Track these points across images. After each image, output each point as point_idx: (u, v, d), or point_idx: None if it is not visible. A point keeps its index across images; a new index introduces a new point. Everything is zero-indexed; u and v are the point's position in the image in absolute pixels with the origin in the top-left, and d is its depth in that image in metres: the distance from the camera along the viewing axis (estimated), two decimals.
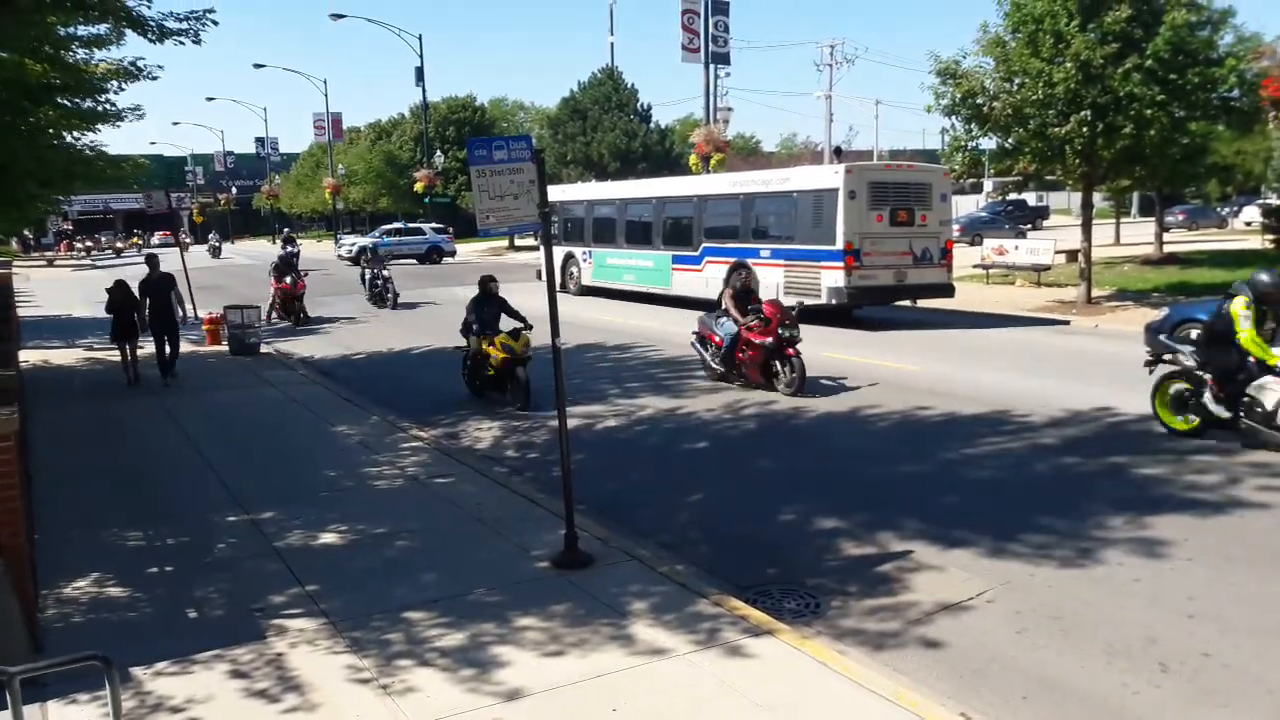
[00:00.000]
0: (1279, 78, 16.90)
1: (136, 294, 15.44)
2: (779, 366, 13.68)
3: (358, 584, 7.03)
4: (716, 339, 14.52)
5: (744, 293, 14.60)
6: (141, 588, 7.15)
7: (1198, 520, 7.91)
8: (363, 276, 28.87)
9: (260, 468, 10.39)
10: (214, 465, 10.51)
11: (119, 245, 69.85)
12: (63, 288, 39.08)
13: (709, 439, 11.50)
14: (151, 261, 15.71)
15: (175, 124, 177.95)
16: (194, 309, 22.97)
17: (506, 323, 13.80)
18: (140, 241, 74.55)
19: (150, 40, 10.80)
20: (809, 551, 7.71)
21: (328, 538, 8.12)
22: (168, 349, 15.52)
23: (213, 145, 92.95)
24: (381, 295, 27.03)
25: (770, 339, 13.52)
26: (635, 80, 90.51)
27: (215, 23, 11.14)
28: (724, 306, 14.58)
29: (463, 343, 14.43)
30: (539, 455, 11.05)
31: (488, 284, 14.14)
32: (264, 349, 18.94)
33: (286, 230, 45.12)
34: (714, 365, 14.55)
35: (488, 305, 13.87)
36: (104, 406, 14.05)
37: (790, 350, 13.49)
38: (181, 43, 11.02)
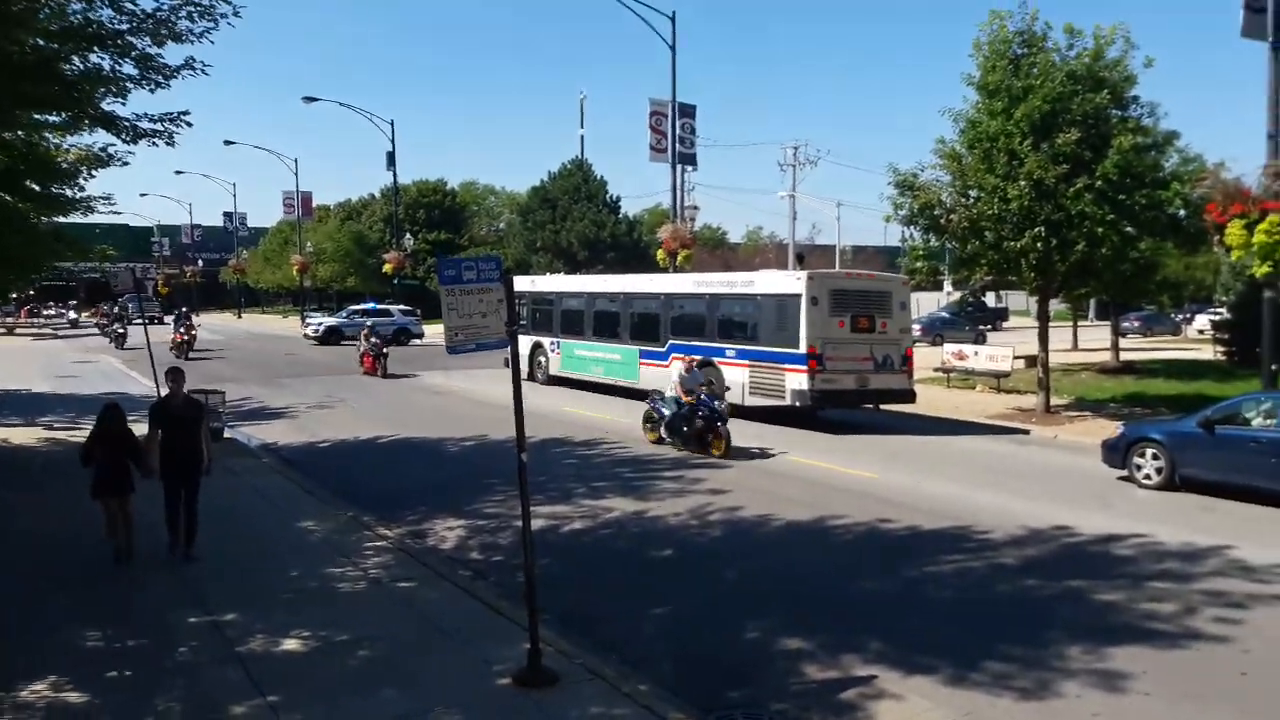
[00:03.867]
0: (1221, 202, 17.56)
1: (155, 425, 10.41)
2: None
3: (319, 696, 6.96)
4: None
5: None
6: (99, 693, 7.03)
7: (1156, 652, 8.05)
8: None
9: (222, 565, 10.27)
10: (170, 561, 10.37)
11: (73, 315, 67.29)
12: (22, 359, 38.53)
13: (675, 545, 11.55)
14: (175, 377, 10.72)
15: (143, 195, 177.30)
16: (157, 389, 22.79)
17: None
18: (106, 315, 72.70)
19: (124, 140, 10.93)
20: (773, 673, 7.74)
21: (290, 644, 8.03)
22: (185, 502, 10.56)
23: (180, 217, 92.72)
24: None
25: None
26: (604, 171, 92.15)
27: (189, 124, 11.29)
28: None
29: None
30: (503, 558, 11.01)
31: None
32: (227, 433, 18.77)
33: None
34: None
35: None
36: (63, 494, 13.82)
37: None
38: (155, 144, 11.15)
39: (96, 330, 55.63)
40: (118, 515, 10.31)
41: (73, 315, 67.62)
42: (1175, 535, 11.76)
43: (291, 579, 9.84)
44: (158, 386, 23.70)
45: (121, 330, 44.43)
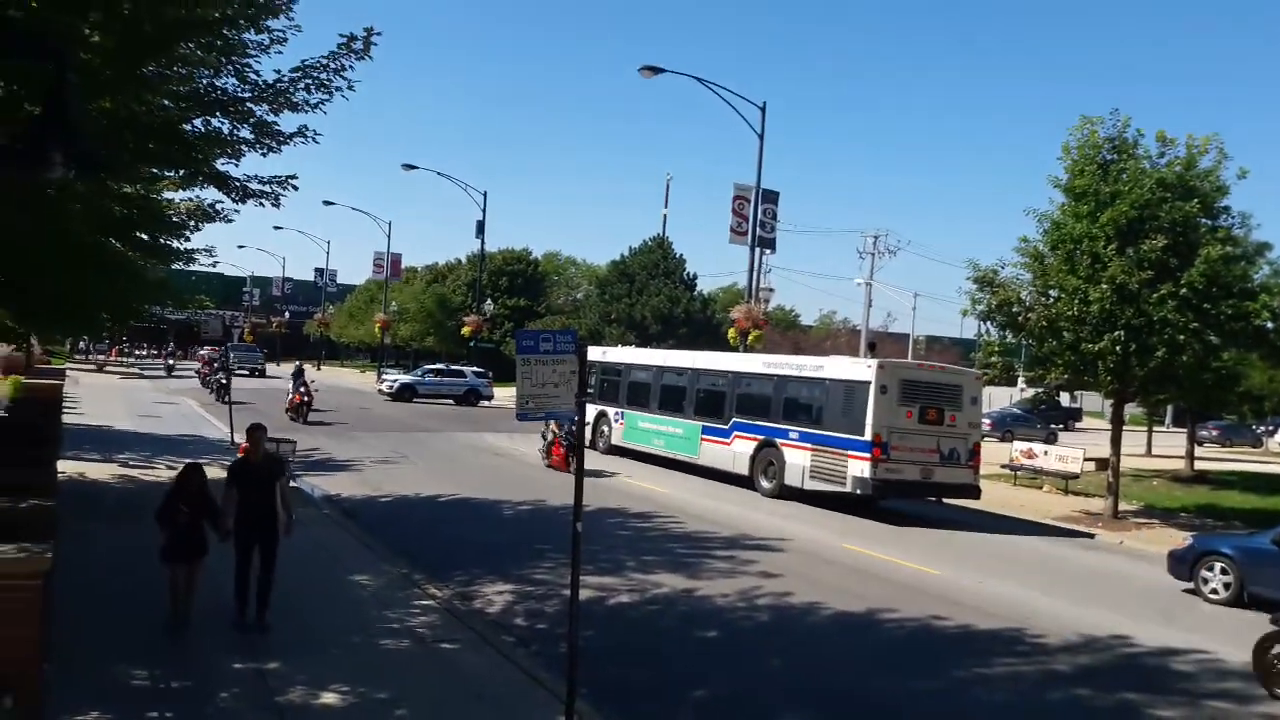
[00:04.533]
0: None
1: (234, 484, 9.74)
2: None
3: None
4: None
5: None
6: None
7: None
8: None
9: (272, 613, 10.47)
10: (226, 606, 10.61)
11: (170, 362, 61.19)
12: (109, 396, 39.99)
13: (720, 627, 11.45)
14: (257, 434, 9.99)
15: (240, 247, 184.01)
16: (232, 436, 23.58)
17: None
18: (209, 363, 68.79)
19: (234, 200, 11.50)
20: None
21: (328, 698, 8.14)
22: (260, 567, 9.82)
23: (273, 269, 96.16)
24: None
25: None
26: (683, 249, 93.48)
27: (296, 188, 11.83)
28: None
29: None
30: (548, 626, 11.02)
31: None
32: (292, 484, 19.20)
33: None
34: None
35: None
36: (131, 529, 14.25)
37: None
38: (261, 204, 11.73)
39: (197, 379, 50.55)
40: (182, 583, 9.54)
41: (170, 362, 61.24)
42: (1238, 654, 11.26)
43: (338, 632, 9.98)
44: (232, 432, 24.70)
45: (225, 380, 36.88)
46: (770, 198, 33.88)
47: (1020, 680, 10.04)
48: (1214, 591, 14.25)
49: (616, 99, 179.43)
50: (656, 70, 30.43)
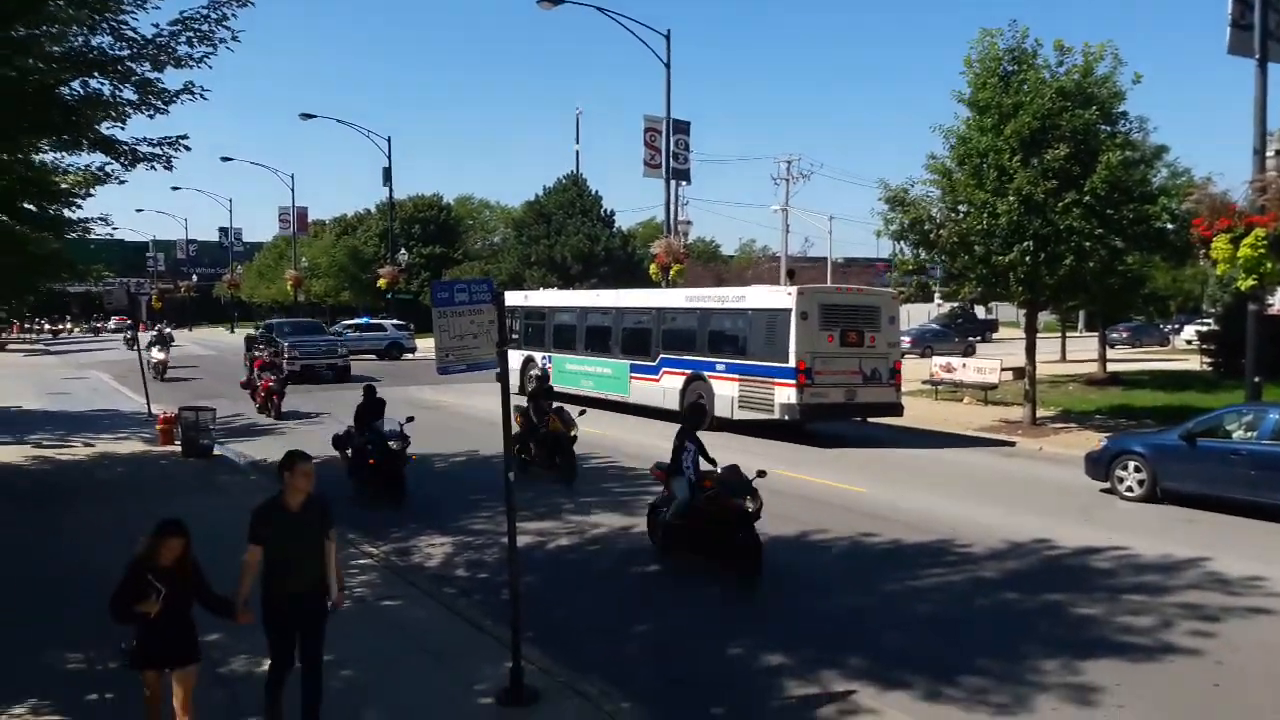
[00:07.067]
0: (1208, 216, 17.72)
1: (260, 537, 6.65)
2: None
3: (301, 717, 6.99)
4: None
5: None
6: (80, 717, 7.07)
7: (1131, 665, 8.15)
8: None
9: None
10: None
11: (55, 329, 73.68)
12: (14, 374, 38.52)
13: (660, 562, 11.61)
14: (297, 464, 6.78)
15: (139, 211, 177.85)
16: (148, 407, 22.98)
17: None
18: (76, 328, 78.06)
19: (123, 165, 11.03)
20: (753, 689, 7.81)
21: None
22: (301, 663, 6.82)
23: (176, 233, 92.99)
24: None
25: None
26: (599, 186, 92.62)
27: (188, 148, 11.40)
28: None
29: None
30: (489, 575, 11.08)
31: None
32: (216, 450, 18.82)
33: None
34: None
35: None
36: (50, 512, 13.87)
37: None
38: (153, 168, 11.26)
39: (125, 346, 48.25)
40: (159, 699, 6.22)
41: (98, 325, 71.68)
42: (1154, 548, 11.86)
43: None
44: (148, 403, 24.02)
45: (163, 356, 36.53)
46: (682, 128, 33.65)
47: (948, 589, 10.41)
48: (1129, 489, 14.86)
49: (519, 34, 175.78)
50: (556, 1, 29.77)
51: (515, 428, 15.20)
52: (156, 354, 35.93)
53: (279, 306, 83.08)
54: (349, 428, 15.91)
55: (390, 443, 14.61)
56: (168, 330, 44.52)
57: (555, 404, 17.08)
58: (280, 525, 6.64)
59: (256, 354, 30.75)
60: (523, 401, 16.92)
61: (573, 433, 16.31)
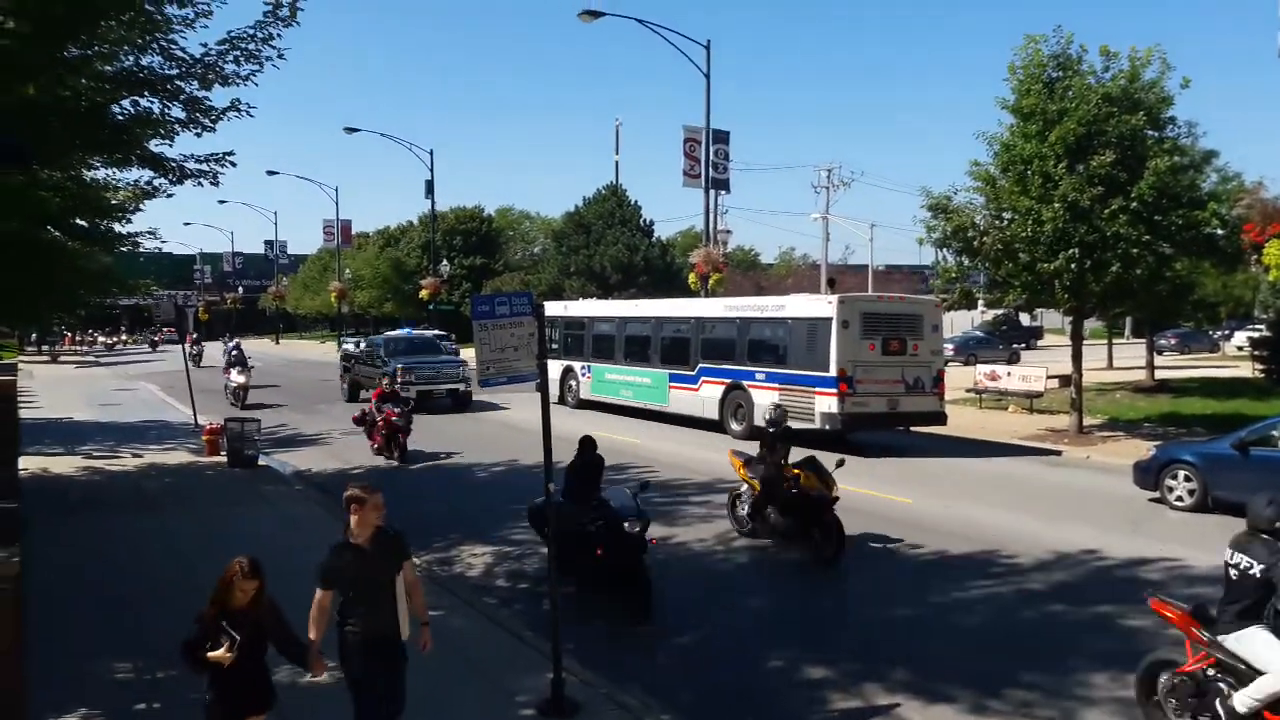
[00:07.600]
0: (1259, 221, 17.37)
1: (331, 582, 6.14)
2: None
3: None
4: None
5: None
6: None
7: None
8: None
9: None
10: (205, 591, 10.52)
11: (108, 342, 76.97)
12: (66, 386, 39.32)
13: (700, 572, 11.56)
14: (364, 505, 6.17)
15: (186, 224, 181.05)
16: (194, 418, 23.38)
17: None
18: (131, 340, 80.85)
19: (171, 181, 11.22)
20: (795, 703, 7.74)
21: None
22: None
23: (222, 245, 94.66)
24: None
25: None
26: (638, 196, 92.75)
27: (234, 164, 11.56)
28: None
29: None
30: (529, 585, 11.10)
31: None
32: (261, 461, 19.06)
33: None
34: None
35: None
36: (99, 522, 14.11)
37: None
38: (200, 184, 11.46)
39: (193, 364, 45.32)
40: None
41: (155, 338, 74.11)
42: (1206, 559, 11.55)
43: None
44: (195, 415, 24.38)
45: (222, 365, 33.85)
46: (721, 138, 33.65)
47: (995, 601, 10.24)
48: (1179, 499, 14.56)
49: (559, 47, 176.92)
50: (596, 14, 29.92)
51: (741, 483, 13.05)
52: (236, 377, 30.14)
53: (324, 318, 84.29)
54: (554, 494, 8.58)
55: (625, 523, 9.90)
56: (240, 348, 34.46)
57: (804, 451, 13.21)
58: (353, 566, 6.05)
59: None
60: (744, 445, 14.00)
61: (834, 493, 11.97)
